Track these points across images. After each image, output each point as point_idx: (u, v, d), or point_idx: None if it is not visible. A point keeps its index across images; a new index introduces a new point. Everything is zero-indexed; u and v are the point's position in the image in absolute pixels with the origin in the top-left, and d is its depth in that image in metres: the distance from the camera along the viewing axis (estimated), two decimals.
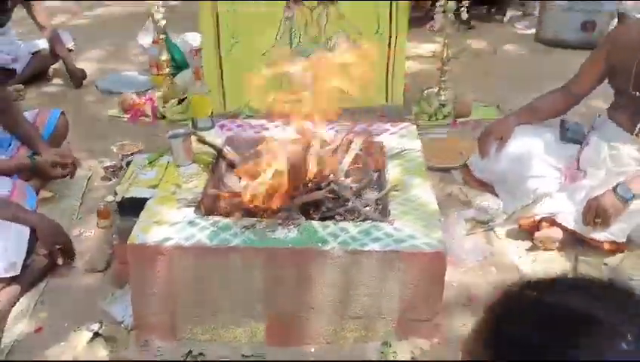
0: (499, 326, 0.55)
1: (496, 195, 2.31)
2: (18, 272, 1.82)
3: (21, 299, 1.84)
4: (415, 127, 2.17)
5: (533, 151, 2.27)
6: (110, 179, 2.55)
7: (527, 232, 2.06)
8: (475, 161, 2.46)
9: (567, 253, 1.99)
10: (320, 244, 1.55)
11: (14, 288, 1.84)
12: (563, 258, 1.96)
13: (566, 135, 2.32)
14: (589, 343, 0.48)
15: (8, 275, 1.81)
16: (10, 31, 3.50)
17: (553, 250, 2.00)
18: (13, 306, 1.83)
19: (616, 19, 4.06)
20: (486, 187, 2.39)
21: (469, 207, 2.19)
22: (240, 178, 1.95)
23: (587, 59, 2.33)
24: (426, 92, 3.12)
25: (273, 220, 1.65)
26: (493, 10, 4.83)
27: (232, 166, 2.06)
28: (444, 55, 3.03)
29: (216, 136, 2.13)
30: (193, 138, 2.02)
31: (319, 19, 2.89)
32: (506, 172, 2.30)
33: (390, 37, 2.91)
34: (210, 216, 1.71)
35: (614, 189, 1.88)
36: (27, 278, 1.89)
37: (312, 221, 1.66)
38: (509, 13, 4.78)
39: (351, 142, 2.02)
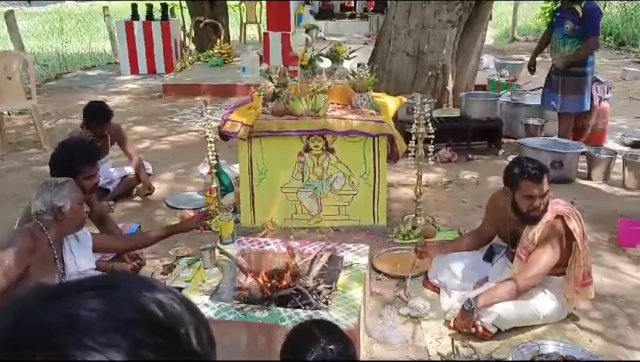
0: None
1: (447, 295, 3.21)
2: None
3: None
4: (368, 247, 3.13)
5: (460, 267, 3.18)
6: (166, 274, 3.61)
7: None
8: (430, 273, 3.37)
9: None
10: (279, 322, 2.50)
11: None
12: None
13: (486, 256, 3.24)
14: None
15: None
16: (108, 161, 4.80)
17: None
18: None
19: None
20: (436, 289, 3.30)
21: (406, 305, 3.08)
22: (246, 277, 2.96)
23: (485, 212, 3.29)
24: (405, 217, 4.08)
25: (254, 306, 2.62)
26: (492, 145, 5.79)
27: (242, 269, 3.07)
28: (417, 190, 3.99)
29: (234, 249, 3.16)
30: (217, 250, 3.06)
31: (323, 163, 3.97)
32: (445, 282, 3.21)
33: (374, 176, 3.95)
34: (218, 301, 2.70)
35: (464, 303, 2.77)
36: None
37: (279, 307, 2.62)
38: (505, 147, 5.73)
39: (321, 256, 3.01)
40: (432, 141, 3.86)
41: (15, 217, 3.22)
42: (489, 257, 3.22)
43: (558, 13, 5.47)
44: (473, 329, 2.78)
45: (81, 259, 2.73)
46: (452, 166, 5.36)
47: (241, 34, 12.67)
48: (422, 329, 2.94)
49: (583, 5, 5.04)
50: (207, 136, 4.10)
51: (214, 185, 4.30)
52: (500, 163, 5.48)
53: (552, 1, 13.29)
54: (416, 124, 3.84)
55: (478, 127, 5.71)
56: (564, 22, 5.20)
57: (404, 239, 3.88)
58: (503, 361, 2.63)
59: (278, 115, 3.93)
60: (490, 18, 7.78)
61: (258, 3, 12.62)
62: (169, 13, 10.17)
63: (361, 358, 2.53)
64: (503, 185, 3.05)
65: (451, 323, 2.90)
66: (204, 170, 4.79)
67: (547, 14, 13.52)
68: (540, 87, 6.94)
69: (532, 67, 5.86)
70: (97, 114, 4.44)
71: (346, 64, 4.41)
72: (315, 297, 2.72)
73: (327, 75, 4.22)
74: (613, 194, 4.80)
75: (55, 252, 2.64)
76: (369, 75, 4.07)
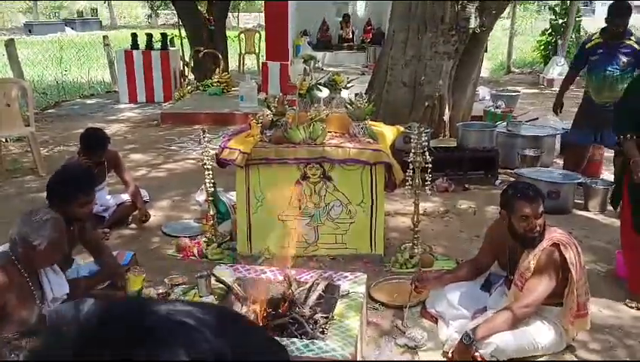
0: None
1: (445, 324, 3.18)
2: None
3: None
4: (365, 276, 3.11)
5: (457, 297, 3.16)
6: None
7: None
8: (428, 302, 3.35)
9: None
10: None
11: None
12: None
13: (484, 285, 3.21)
14: None
15: None
16: (105, 188, 4.79)
17: None
18: None
19: None
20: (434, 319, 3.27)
21: (404, 335, 3.04)
22: (242, 305, 2.93)
23: (483, 240, 3.28)
24: (403, 246, 4.07)
25: None
26: (489, 175, 5.80)
27: (237, 298, 3.04)
28: (415, 219, 3.98)
29: (230, 276, 3.13)
30: (213, 278, 3.04)
31: (320, 191, 3.96)
32: (443, 311, 3.19)
33: (372, 204, 3.94)
34: None
35: (462, 337, 2.73)
36: None
37: (275, 337, 2.59)
38: (502, 177, 5.75)
39: (318, 284, 2.98)
40: (429, 170, 3.87)
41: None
42: (487, 287, 3.20)
43: (600, 50, 5.08)
44: None
45: (55, 286, 2.73)
46: (449, 195, 5.36)
47: (239, 64, 12.81)
48: (419, 360, 2.90)
49: (635, 39, 4.99)
50: (205, 164, 4.10)
51: (211, 212, 4.28)
52: (497, 193, 5.44)
53: (546, 35, 13.53)
54: (414, 153, 3.85)
55: (475, 156, 5.74)
56: (617, 57, 4.99)
57: (401, 268, 3.86)
58: None
59: (276, 143, 3.94)
60: (486, 50, 7.88)
61: (257, 34, 12.80)
62: (168, 42, 10.30)
63: None
64: (499, 210, 3.05)
65: (449, 354, 2.86)
66: (201, 197, 4.78)
67: (542, 48, 13.72)
68: (536, 118, 7.01)
69: (560, 107, 5.74)
70: (94, 140, 4.44)
71: (344, 93, 4.44)
72: (311, 326, 2.69)
73: (325, 103, 4.25)
74: (610, 225, 4.79)
75: (30, 282, 2.63)
76: (366, 104, 4.10)
